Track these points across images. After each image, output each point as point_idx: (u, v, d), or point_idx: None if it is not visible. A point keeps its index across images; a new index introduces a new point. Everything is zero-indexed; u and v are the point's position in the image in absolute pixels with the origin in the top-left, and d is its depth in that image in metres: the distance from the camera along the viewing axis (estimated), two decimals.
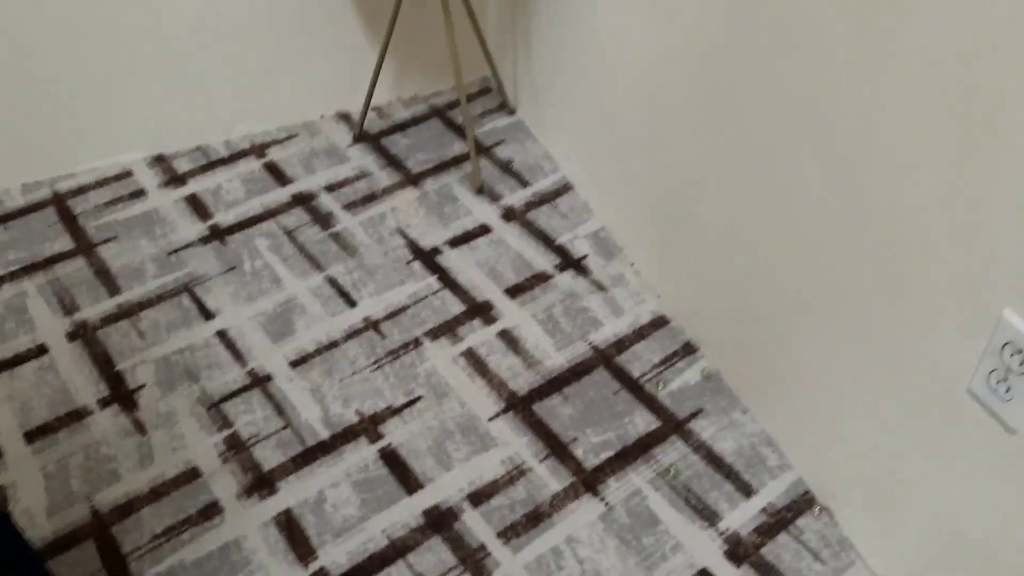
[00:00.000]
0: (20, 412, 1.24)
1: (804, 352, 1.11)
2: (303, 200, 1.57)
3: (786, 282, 1.10)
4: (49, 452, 1.19)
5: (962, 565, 0.94)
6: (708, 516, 1.14)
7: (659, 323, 1.38)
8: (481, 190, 1.60)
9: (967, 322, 0.83)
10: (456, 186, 1.61)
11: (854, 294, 0.97)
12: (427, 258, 1.48)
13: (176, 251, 1.48)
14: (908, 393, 0.94)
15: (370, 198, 1.58)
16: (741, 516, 1.14)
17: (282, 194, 1.58)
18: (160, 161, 1.64)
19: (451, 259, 1.48)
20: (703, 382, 1.30)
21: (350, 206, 1.56)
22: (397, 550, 1.11)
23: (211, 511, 1.14)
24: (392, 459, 1.20)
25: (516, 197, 1.59)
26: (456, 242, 1.51)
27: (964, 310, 0.82)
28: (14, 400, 1.25)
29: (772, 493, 1.16)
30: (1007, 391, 0.80)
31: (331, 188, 1.60)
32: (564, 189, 1.61)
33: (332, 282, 1.44)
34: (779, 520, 1.13)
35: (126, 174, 1.61)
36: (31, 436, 1.21)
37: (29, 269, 1.43)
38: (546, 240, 1.51)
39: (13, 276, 1.42)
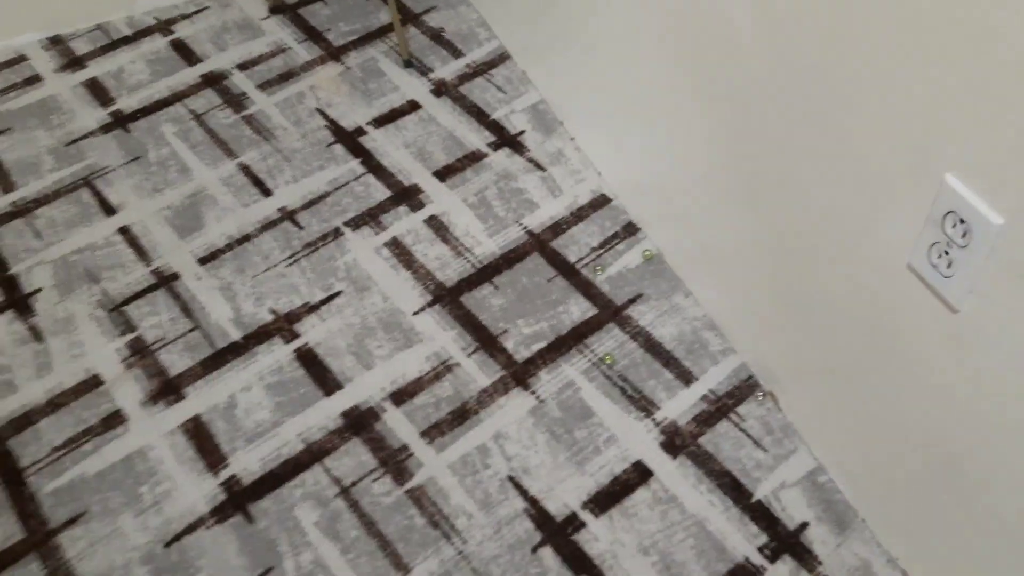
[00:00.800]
0: None
1: (749, 230, 1.01)
2: (214, 80, 1.44)
3: (726, 150, 0.99)
4: None
5: (899, 447, 0.88)
6: (644, 406, 1.07)
7: (599, 203, 1.28)
8: (409, 63, 1.47)
9: (909, 190, 0.73)
10: (382, 59, 1.48)
11: (795, 164, 0.87)
12: (349, 140, 1.36)
13: (75, 141, 1.35)
14: (850, 269, 0.85)
15: (287, 76, 1.45)
16: (679, 405, 1.07)
17: (190, 75, 1.45)
18: (56, 43, 1.49)
19: (376, 140, 1.36)
20: (644, 264, 1.21)
21: (265, 85, 1.43)
22: (313, 454, 1.04)
23: (114, 420, 1.07)
24: (309, 359, 1.12)
25: (448, 69, 1.46)
26: (381, 121, 1.39)
27: (906, 177, 0.73)
28: None
29: (713, 380, 1.09)
30: (948, 266, 0.71)
31: (244, 66, 1.46)
32: (500, 59, 1.48)
33: (245, 170, 1.32)
34: (720, 407, 1.07)
35: (19, 59, 1.47)
36: None
37: None
38: (480, 115, 1.39)
39: None
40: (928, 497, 0.87)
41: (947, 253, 0.71)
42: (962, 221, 0.68)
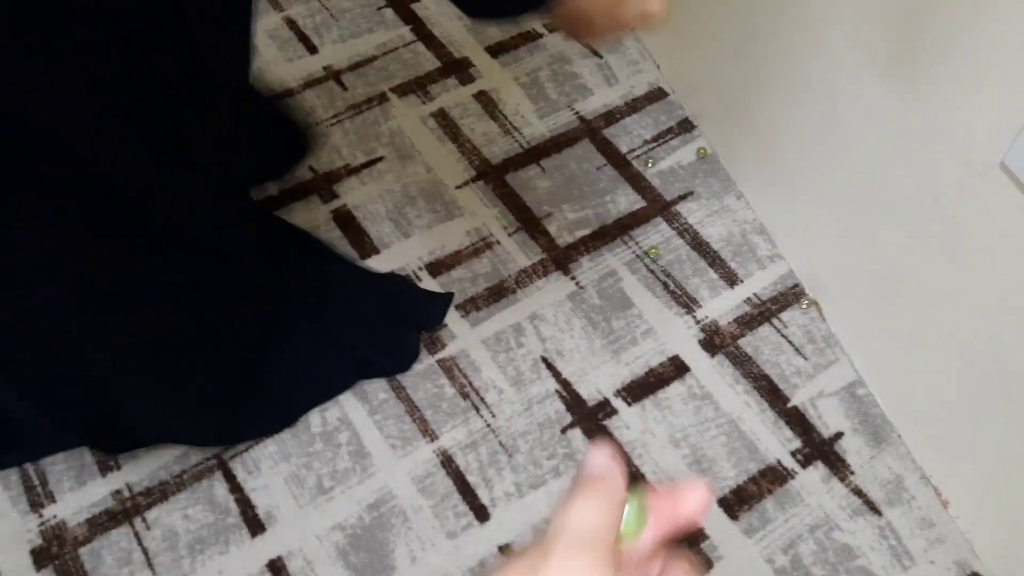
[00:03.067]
0: None
1: (813, 131, 0.97)
2: None
3: (799, 49, 0.94)
4: None
5: (950, 364, 0.85)
6: (686, 303, 1.04)
7: (655, 96, 1.23)
8: None
9: (1011, 84, 0.69)
10: None
11: (877, 58, 0.82)
12: (401, 5, 1.30)
13: None
14: (930, 169, 0.81)
15: None
16: (722, 305, 1.04)
17: None
18: None
19: (428, 8, 1.30)
20: (697, 162, 1.16)
21: None
22: None
23: None
24: (346, 220, 1.09)
25: None
26: None
27: (1008, 71, 0.68)
28: None
29: (758, 284, 1.06)
30: None
31: None
32: None
33: (291, 24, 1.27)
34: (762, 312, 1.04)
35: None
36: None
37: None
38: None
39: None
40: (974, 418, 0.85)
41: None
42: None
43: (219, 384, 0.84)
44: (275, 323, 0.88)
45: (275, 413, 0.91)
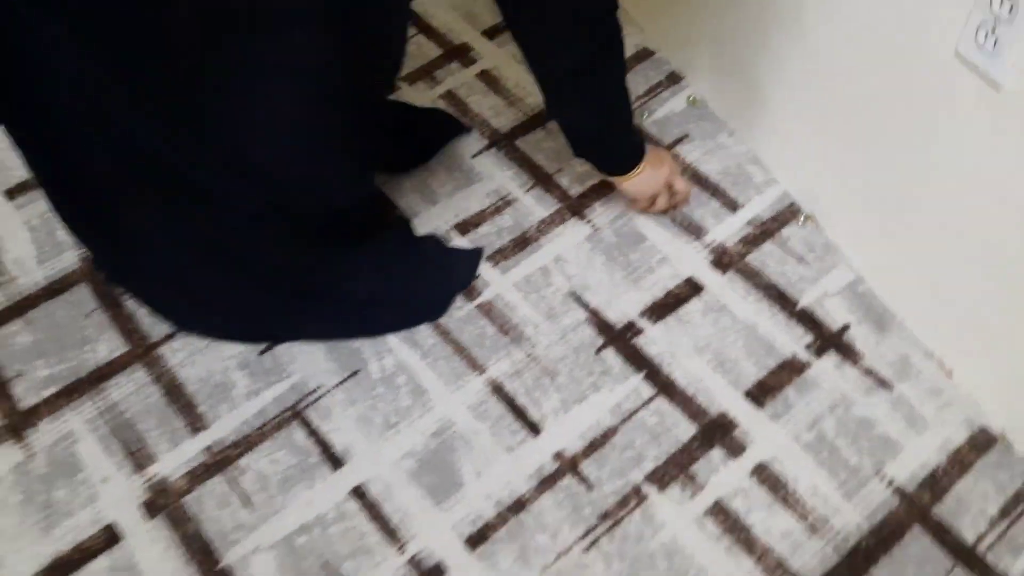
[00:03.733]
0: None
1: (786, 59, 1.07)
2: None
3: None
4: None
5: (936, 245, 0.95)
6: (694, 231, 1.15)
7: (643, 55, 1.34)
8: None
9: None
10: None
11: None
12: None
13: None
14: (895, 69, 0.92)
15: None
16: (727, 229, 1.15)
17: None
18: None
19: (424, 3, 1.42)
20: (688, 109, 1.27)
21: None
22: None
23: None
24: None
25: None
26: None
27: None
28: None
29: (757, 207, 1.17)
30: (994, 44, 0.78)
31: None
32: None
33: None
34: (764, 230, 1.14)
35: None
36: None
37: None
38: None
39: None
40: (966, 294, 0.95)
41: (993, 32, 0.78)
42: None
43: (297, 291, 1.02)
44: (350, 260, 1.03)
45: (319, 330, 1.06)
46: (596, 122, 1.00)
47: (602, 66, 0.95)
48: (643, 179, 1.06)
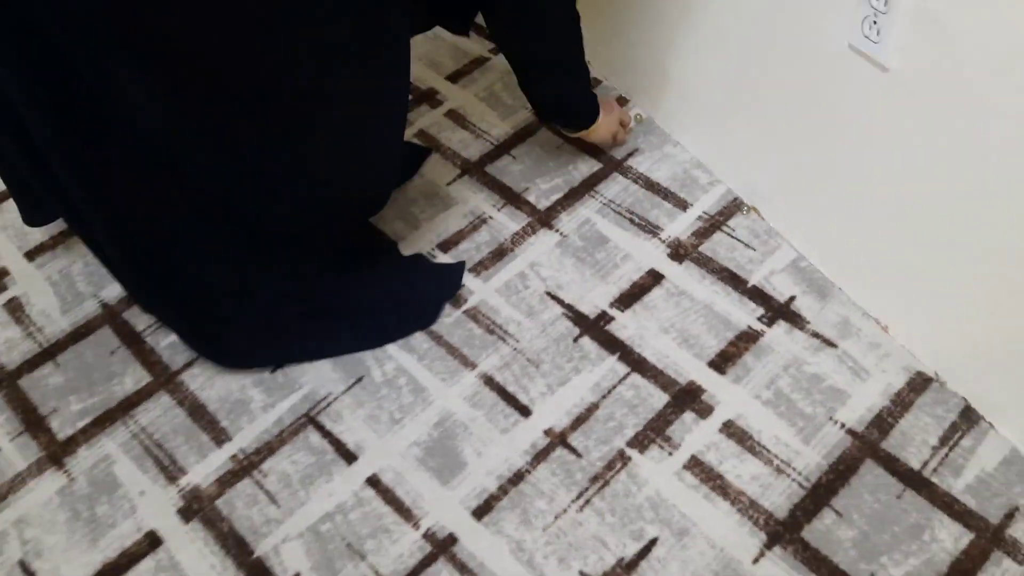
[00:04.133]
0: None
1: (717, 76, 1.23)
2: None
3: (696, 14, 1.21)
4: None
5: (859, 218, 1.09)
6: (651, 230, 1.28)
7: (592, 84, 1.49)
8: None
9: None
10: None
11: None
12: None
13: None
14: (805, 67, 1.07)
15: None
16: (679, 225, 1.28)
17: None
18: None
19: None
20: (636, 126, 1.42)
21: None
22: None
23: None
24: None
25: None
26: None
27: None
28: None
29: (705, 204, 1.31)
30: (877, 34, 0.93)
31: None
32: None
33: None
34: (713, 223, 1.28)
35: None
36: None
37: None
38: (477, 25, 1.60)
39: None
40: (894, 257, 1.09)
41: (875, 23, 0.93)
42: None
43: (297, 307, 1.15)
44: (349, 281, 1.18)
45: (328, 347, 1.17)
46: (564, 86, 1.21)
47: (565, 35, 1.16)
48: (604, 124, 1.29)
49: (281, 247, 1.06)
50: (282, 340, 1.16)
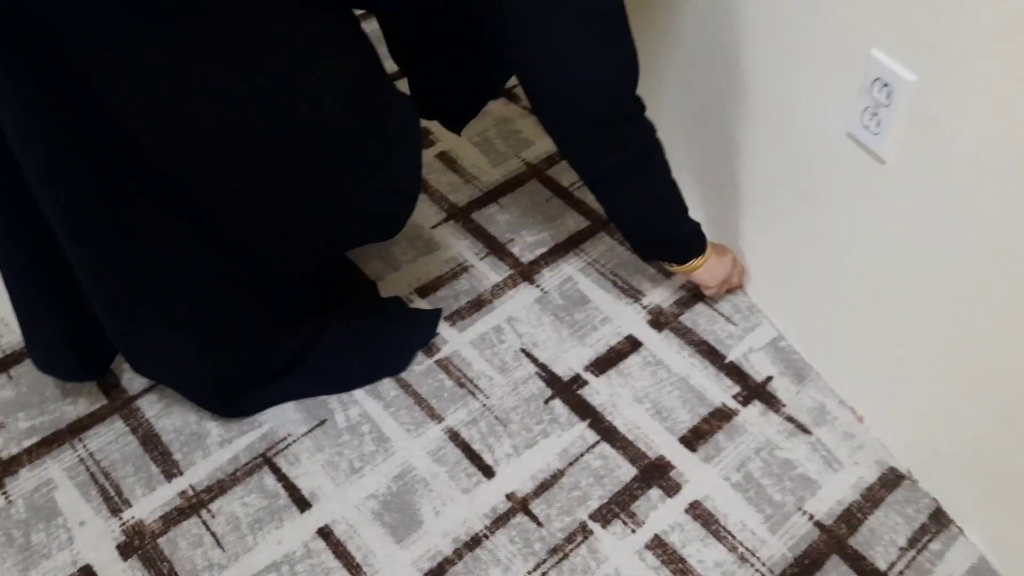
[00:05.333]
0: None
1: (710, 148, 1.22)
2: None
3: (666, 69, 1.20)
4: None
5: (842, 305, 1.08)
6: (633, 294, 1.26)
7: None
8: None
9: (844, 69, 0.94)
10: None
11: (746, 71, 1.08)
12: None
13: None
14: (798, 154, 1.06)
15: None
16: (662, 293, 1.27)
17: None
18: None
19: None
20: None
21: None
22: None
23: None
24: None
25: None
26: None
27: (838, 54, 0.93)
28: None
29: None
30: (877, 125, 0.92)
31: None
32: None
33: None
34: (696, 294, 1.26)
35: None
36: None
37: None
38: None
39: None
40: (874, 348, 1.07)
41: (876, 115, 0.92)
42: (885, 85, 0.89)
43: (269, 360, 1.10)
44: (317, 328, 1.13)
45: (292, 390, 1.14)
46: (648, 218, 1.08)
47: (638, 168, 1.02)
48: (712, 265, 1.15)
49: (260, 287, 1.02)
50: (245, 382, 1.11)
